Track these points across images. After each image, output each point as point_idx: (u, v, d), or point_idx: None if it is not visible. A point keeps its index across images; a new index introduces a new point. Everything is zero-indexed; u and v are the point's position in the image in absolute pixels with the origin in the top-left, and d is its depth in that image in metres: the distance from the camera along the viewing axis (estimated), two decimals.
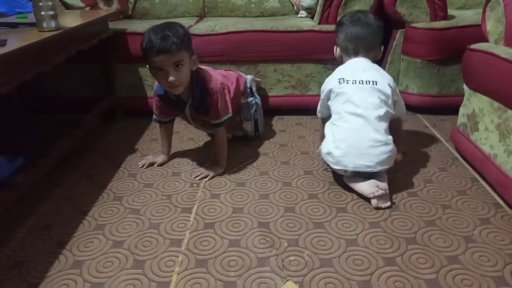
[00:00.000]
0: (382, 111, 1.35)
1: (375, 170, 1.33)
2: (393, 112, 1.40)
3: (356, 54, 1.47)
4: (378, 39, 1.50)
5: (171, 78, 1.34)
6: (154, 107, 1.59)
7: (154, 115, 1.61)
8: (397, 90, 1.45)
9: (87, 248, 1.17)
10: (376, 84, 1.38)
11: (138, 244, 1.18)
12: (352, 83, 1.40)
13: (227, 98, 1.53)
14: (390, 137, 1.36)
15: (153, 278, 1.06)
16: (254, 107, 1.77)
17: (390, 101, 1.39)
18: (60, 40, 1.44)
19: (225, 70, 1.80)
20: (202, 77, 1.47)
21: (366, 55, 1.47)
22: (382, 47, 1.53)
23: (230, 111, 1.54)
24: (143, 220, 1.29)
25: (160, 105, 1.56)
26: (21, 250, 1.18)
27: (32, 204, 1.40)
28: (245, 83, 1.79)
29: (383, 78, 1.41)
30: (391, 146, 1.34)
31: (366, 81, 1.39)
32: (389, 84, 1.40)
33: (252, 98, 1.79)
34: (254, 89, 1.83)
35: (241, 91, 1.74)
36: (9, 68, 1.16)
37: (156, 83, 1.47)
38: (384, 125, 1.36)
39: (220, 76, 1.58)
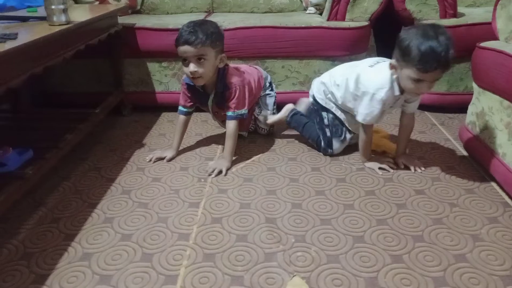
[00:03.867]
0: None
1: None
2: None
3: None
4: None
5: (191, 69, 1.45)
6: (181, 94, 1.66)
7: (179, 106, 1.67)
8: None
9: (96, 241, 1.18)
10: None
11: (146, 237, 1.19)
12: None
13: (246, 94, 1.59)
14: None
15: (161, 271, 1.06)
16: (274, 99, 1.82)
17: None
18: (70, 34, 1.45)
19: (250, 66, 1.82)
20: (227, 74, 1.55)
21: None
22: None
23: (246, 107, 1.58)
24: (151, 214, 1.30)
25: (186, 93, 1.63)
26: (30, 242, 1.19)
27: (41, 197, 1.41)
28: (264, 78, 1.81)
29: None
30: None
31: None
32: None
33: (272, 92, 1.83)
34: (273, 84, 1.87)
35: (261, 86, 1.77)
36: (20, 61, 1.17)
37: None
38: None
39: (245, 74, 1.64)
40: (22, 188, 1.24)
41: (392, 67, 1.36)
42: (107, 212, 1.32)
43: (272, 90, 1.84)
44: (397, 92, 1.39)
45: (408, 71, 1.29)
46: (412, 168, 1.51)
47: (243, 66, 1.73)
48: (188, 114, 1.67)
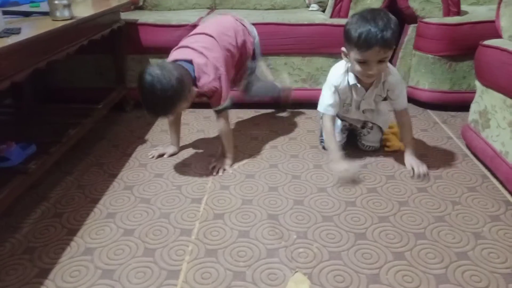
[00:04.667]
0: None
1: None
2: None
3: None
4: None
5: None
6: None
7: None
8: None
9: (98, 236, 1.19)
10: None
11: (148, 232, 1.20)
12: None
13: (224, 86, 1.45)
14: None
15: (163, 266, 1.07)
16: (254, 68, 1.71)
17: None
18: (73, 29, 1.45)
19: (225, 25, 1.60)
20: (198, 78, 1.40)
21: None
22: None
23: (228, 97, 1.48)
24: (154, 210, 1.30)
25: None
26: (33, 236, 1.19)
27: (44, 192, 1.41)
28: (253, 43, 1.67)
29: None
30: None
31: None
32: None
33: (253, 62, 1.70)
34: (257, 51, 1.71)
35: (246, 47, 1.63)
36: (23, 56, 1.17)
37: None
38: None
39: (216, 59, 1.45)
40: (25, 182, 1.24)
41: (343, 54, 1.39)
42: (109, 207, 1.32)
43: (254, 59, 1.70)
44: (352, 81, 1.43)
45: (353, 53, 1.33)
46: (415, 170, 1.45)
47: (202, 48, 1.45)
48: None
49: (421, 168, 1.46)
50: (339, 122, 1.61)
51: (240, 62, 1.63)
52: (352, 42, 1.30)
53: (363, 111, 1.53)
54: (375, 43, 1.26)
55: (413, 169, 1.47)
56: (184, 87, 1.33)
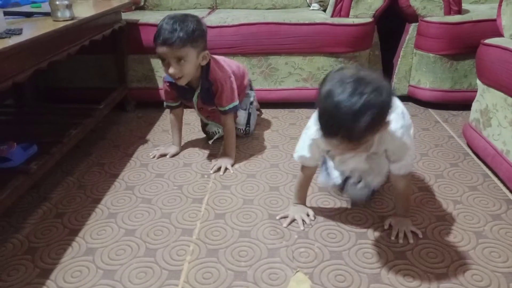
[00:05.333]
0: None
1: None
2: None
3: None
4: None
5: (170, 70, 1.38)
6: (163, 92, 1.62)
7: (164, 102, 1.65)
8: None
9: (100, 236, 1.19)
10: None
11: (150, 232, 1.20)
12: None
13: (234, 86, 1.55)
14: None
15: (164, 266, 1.07)
16: (251, 99, 1.80)
17: None
18: (75, 29, 1.45)
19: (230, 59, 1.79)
20: (210, 70, 1.49)
21: None
22: None
23: (236, 99, 1.56)
24: (155, 210, 1.30)
25: (169, 91, 1.59)
26: (34, 237, 1.20)
27: (45, 192, 1.42)
28: (248, 76, 1.82)
29: None
30: None
31: None
32: None
33: (251, 91, 1.83)
34: (251, 83, 1.86)
35: (245, 85, 1.77)
36: (25, 56, 1.17)
37: None
38: None
39: (230, 67, 1.60)
40: (27, 183, 1.24)
41: None
42: (110, 208, 1.32)
43: (251, 89, 1.83)
44: None
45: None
46: (394, 233, 1.15)
47: (221, 58, 1.63)
48: (175, 108, 1.64)
49: (403, 228, 1.15)
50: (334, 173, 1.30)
51: (240, 89, 1.70)
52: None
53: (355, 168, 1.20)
54: (338, 132, 0.88)
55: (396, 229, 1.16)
56: (204, 35, 1.42)
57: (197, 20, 1.41)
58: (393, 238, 1.15)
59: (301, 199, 1.29)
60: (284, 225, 1.21)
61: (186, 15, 1.41)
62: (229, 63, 1.65)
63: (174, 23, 1.34)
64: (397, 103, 1.06)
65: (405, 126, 1.05)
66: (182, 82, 1.45)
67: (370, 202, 1.30)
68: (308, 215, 1.25)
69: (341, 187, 1.30)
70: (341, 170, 1.26)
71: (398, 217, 1.19)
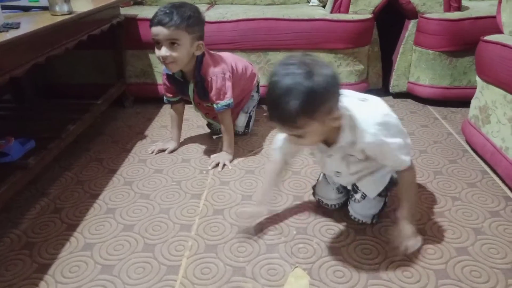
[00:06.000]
0: None
1: None
2: None
3: None
4: None
5: (162, 53, 1.37)
6: (163, 86, 1.62)
7: (164, 96, 1.64)
8: None
9: (98, 231, 1.19)
10: None
11: (148, 228, 1.19)
12: None
13: (226, 83, 1.50)
14: None
15: (163, 261, 1.07)
16: (255, 103, 1.79)
17: None
18: (73, 24, 1.44)
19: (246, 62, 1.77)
20: (203, 64, 1.47)
21: None
22: None
23: (229, 96, 1.51)
24: (153, 205, 1.30)
25: (167, 84, 1.58)
26: (32, 232, 1.19)
27: (43, 187, 1.41)
28: (256, 78, 1.78)
29: None
30: None
31: None
32: None
33: (256, 93, 1.80)
34: (259, 85, 1.83)
35: (248, 77, 1.72)
36: (23, 50, 1.17)
37: None
38: None
39: (233, 66, 1.58)
40: (25, 178, 1.24)
41: None
42: (109, 203, 1.32)
43: (257, 92, 1.80)
44: None
45: None
46: (395, 242, 1.07)
47: (227, 54, 1.62)
48: (175, 103, 1.64)
49: (411, 244, 1.05)
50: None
51: (244, 90, 1.71)
52: None
53: (337, 172, 1.13)
54: (273, 115, 0.92)
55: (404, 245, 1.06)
56: (200, 25, 1.41)
57: (195, 9, 1.41)
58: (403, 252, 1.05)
59: (259, 198, 1.23)
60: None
61: (185, 3, 1.42)
62: (235, 62, 1.62)
63: (172, 7, 1.35)
64: (375, 101, 1.05)
65: (383, 124, 0.97)
66: (174, 69, 1.44)
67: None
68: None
69: (349, 203, 1.20)
70: (331, 181, 1.22)
71: (400, 227, 1.06)
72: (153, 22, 1.36)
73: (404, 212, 1.07)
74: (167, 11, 1.34)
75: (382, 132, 0.97)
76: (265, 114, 1.97)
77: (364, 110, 0.98)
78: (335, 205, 1.25)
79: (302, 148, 1.15)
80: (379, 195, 1.16)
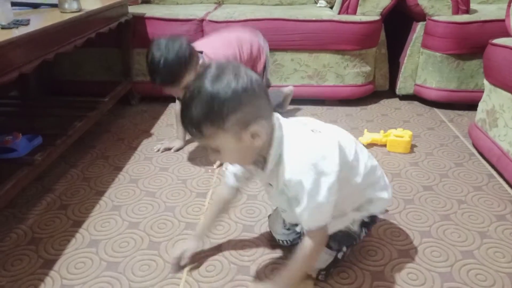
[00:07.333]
0: None
1: None
2: None
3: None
4: None
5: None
6: None
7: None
8: None
9: (104, 228, 1.19)
10: None
11: (153, 226, 1.20)
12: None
13: None
14: None
15: (168, 259, 1.07)
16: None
17: None
18: (81, 21, 1.45)
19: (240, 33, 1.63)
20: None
21: None
22: None
23: None
24: (159, 203, 1.30)
25: None
26: (38, 227, 1.20)
27: (49, 183, 1.42)
28: (266, 58, 1.66)
29: None
30: None
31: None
32: None
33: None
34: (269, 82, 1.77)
35: (255, 52, 1.61)
36: (32, 47, 1.17)
37: None
38: None
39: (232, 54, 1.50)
40: (31, 174, 1.24)
41: None
42: (114, 200, 1.32)
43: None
44: None
45: None
46: None
47: (232, 45, 1.52)
48: None
49: None
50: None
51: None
52: None
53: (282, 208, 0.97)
54: (183, 124, 0.81)
55: None
56: (193, 53, 1.33)
57: (179, 53, 1.28)
58: None
59: (198, 230, 1.08)
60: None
61: (169, 51, 1.28)
62: (239, 51, 1.53)
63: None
64: (328, 138, 0.87)
65: (314, 166, 0.80)
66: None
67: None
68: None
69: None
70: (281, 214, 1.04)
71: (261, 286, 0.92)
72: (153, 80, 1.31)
73: (277, 278, 0.91)
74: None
75: (309, 175, 0.80)
76: None
77: (303, 142, 0.83)
78: (283, 241, 1.08)
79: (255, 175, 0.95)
80: (329, 247, 0.97)
